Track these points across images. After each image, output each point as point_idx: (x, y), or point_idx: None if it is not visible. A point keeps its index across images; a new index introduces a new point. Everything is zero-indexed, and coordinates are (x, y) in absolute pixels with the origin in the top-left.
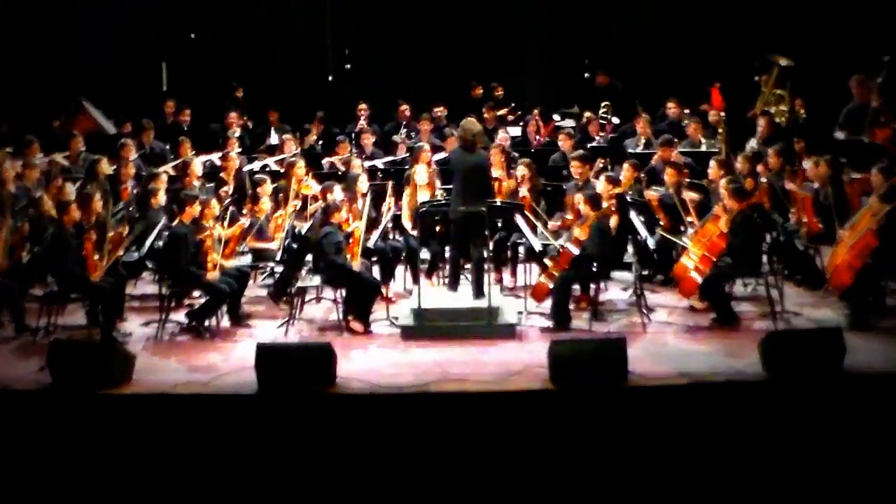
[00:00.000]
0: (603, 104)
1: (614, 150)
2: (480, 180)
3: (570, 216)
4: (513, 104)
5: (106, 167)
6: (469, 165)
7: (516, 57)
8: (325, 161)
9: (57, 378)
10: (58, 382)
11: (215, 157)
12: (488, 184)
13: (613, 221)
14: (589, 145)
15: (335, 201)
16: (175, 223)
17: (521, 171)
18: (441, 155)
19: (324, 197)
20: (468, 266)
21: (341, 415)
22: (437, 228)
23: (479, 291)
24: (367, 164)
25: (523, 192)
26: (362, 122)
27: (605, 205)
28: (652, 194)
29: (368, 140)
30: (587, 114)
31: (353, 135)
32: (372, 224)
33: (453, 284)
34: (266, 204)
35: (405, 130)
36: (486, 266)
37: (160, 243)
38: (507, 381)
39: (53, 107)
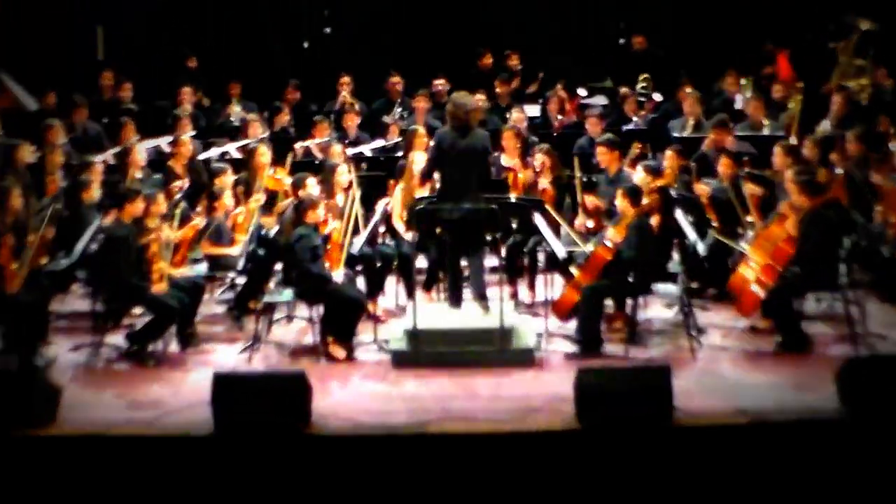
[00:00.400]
0: (642, 77)
1: (655, 133)
2: (479, 169)
3: (587, 220)
4: (514, 68)
5: (27, 154)
6: (463, 150)
7: (534, 18)
8: (299, 146)
9: None
10: None
11: (163, 142)
12: (488, 173)
13: (654, 222)
14: (625, 127)
15: (310, 196)
16: (112, 223)
17: (540, 158)
18: None
19: (296, 191)
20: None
21: (318, 460)
22: (437, 230)
23: (483, 304)
24: (351, 150)
25: (543, 184)
26: (345, 97)
27: (644, 200)
28: (703, 188)
29: (352, 121)
30: (623, 89)
31: (334, 114)
32: (356, 225)
33: (455, 299)
34: (226, 200)
35: (398, 109)
36: (483, 277)
37: (94, 248)
38: (524, 419)
39: None
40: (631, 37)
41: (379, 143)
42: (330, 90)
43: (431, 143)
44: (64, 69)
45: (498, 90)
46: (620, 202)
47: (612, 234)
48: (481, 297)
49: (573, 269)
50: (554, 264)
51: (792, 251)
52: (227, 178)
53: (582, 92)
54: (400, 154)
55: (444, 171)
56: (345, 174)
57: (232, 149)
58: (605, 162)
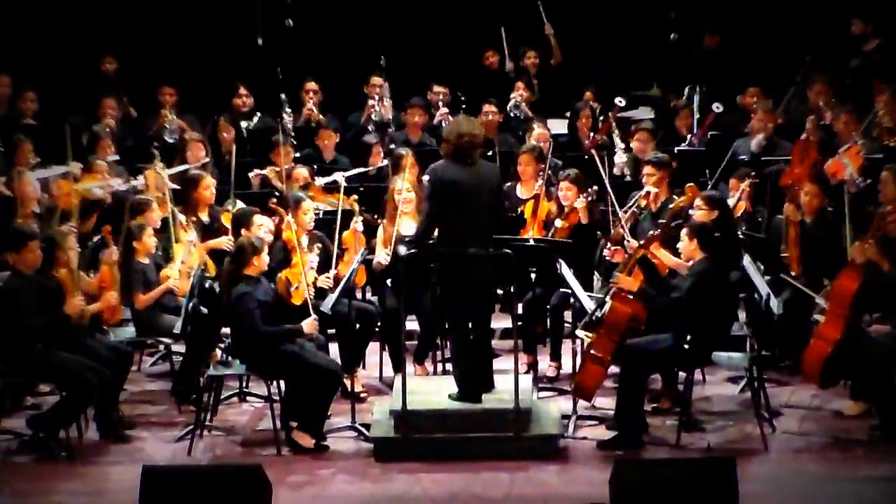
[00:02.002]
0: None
1: (715, 154)
2: (490, 210)
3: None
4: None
5: None
6: (469, 188)
7: (561, 6)
8: (254, 175)
9: None
10: None
11: (75, 168)
12: (502, 212)
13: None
14: (676, 149)
15: (250, 241)
16: (7, 275)
17: (566, 187)
18: None
19: (236, 232)
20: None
21: None
22: (433, 282)
23: (485, 382)
24: (321, 180)
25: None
26: (310, 111)
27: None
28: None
29: (329, 140)
30: (676, 101)
31: (296, 132)
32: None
33: (470, 387)
34: (147, 240)
35: (376, 124)
36: (489, 342)
37: None
38: None
39: None
40: (689, 31)
41: (357, 170)
42: (293, 100)
43: (425, 180)
44: None
45: (516, 98)
46: (686, 245)
47: (626, 282)
48: (484, 385)
49: (579, 333)
50: (584, 326)
51: (855, 285)
52: (155, 215)
53: (620, 101)
54: (385, 184)
55: (445, 214)
56: (311, 211)
57: (165, 176)
58: (654, 184)
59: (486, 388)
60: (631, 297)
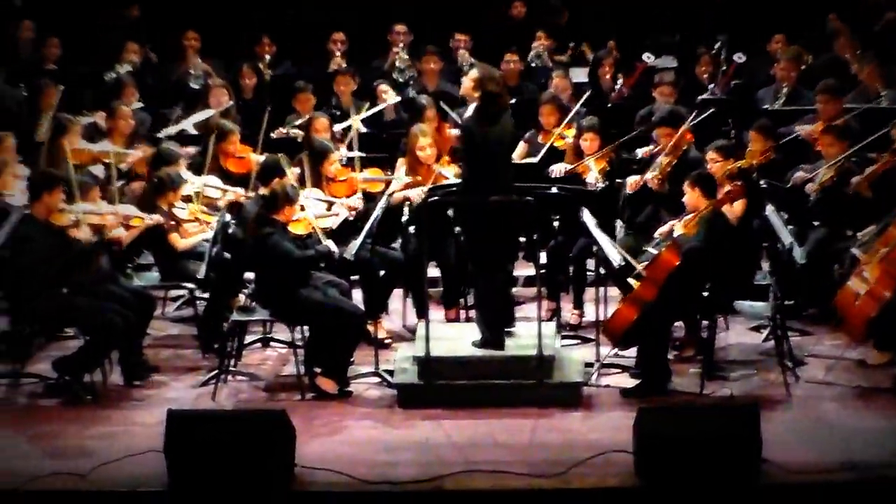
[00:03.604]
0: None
1: (737, 104)
2: (510, 159)
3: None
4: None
5: None
6: (497, 141)
7: None
8: (276, 134)
9: None
10: None
11: (98, 119)
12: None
13: (732, 212)
14: (700, 98)
15: (285, 187)
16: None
17: (588, 137)
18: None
19: (267, 181)
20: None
21: None
22: (457, 229)
23: (499, 326)
24: (342, 125)
25: (593, 172)
26: (339, 63)
27: (725, 189)
28: (801, 174)
29: (346, 86)
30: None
31: (321, 82)
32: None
33: (495, 330)
34: (189, 191)
35: (403, 70)
36: (510, 289)
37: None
38: (569, 474)
39: None
40: None
41: (375, 109)
42: (318, 51)
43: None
44: None
45: (538, 46)
46: (689, 194)
47: (681, 231)
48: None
49: (632, 281)
50: (609, 273)
51: None
52: (184, 171)
53: (648, 57)
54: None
55: (477, 166)
56: (337, 162)
57: (189, 125)
58: (668, 143)
59: (507, 323)
60: (677, 247)
